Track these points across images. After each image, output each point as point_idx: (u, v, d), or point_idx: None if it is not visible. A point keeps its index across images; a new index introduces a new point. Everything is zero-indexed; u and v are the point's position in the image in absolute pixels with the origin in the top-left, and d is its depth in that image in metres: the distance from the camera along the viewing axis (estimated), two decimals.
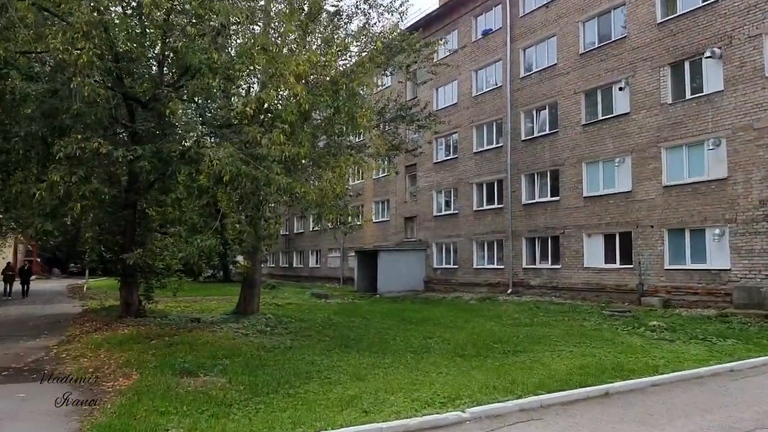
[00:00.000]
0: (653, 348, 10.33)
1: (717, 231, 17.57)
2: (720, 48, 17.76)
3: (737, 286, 16.82)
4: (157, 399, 6.43)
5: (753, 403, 6.39)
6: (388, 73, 16.49)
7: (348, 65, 12.99)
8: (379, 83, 18.70)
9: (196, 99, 10.73)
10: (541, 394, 6.50)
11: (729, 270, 17.19)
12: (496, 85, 26.85)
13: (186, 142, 10.64)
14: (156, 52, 11.04)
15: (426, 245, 30.69)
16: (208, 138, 10.21)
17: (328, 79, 10.86)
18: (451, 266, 28.91)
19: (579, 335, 11.98)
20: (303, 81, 9.06)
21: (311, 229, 38.43)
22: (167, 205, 12.16)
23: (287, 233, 46.32)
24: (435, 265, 30.04)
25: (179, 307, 18.15)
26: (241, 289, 16.61)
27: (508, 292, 24.53)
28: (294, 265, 46.21)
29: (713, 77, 18.12)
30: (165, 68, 11.39)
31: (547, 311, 17.95)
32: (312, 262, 43.21)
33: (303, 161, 10.85)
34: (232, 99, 11.93)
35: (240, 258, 30.34)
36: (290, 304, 20.97)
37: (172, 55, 10.17)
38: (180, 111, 10.27)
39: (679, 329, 13.40)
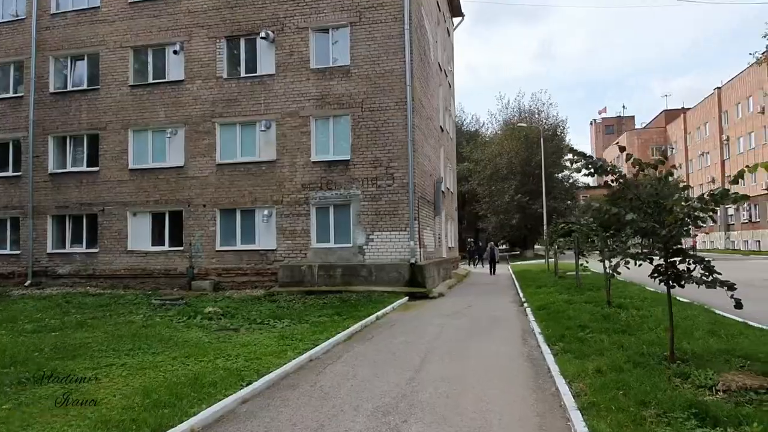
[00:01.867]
0: (222, 343, 8.88)
1: (266, 212, 17.88)
2: (273, 32, 18.06)
3: (282, 265, 17.51)
4: None
5: (354, 401, 5.60)
6: None
7: None
8: None
9: None
10: None
11: (275, 250, 17.73)
12: (17, 15, 20.55)
13: None
14: None
15: None
16: None
17: None
18: None
19: (130, 337, 9.45)
20: None
21: None
22: None
23: None
24: None
25: None
26: None
27: (27, 284, 19.26)
28: None
29: (267, 60, 18.32)
30: None
31: (82, 306, 14.38)
32: None
33: None
34: None
35: None
36: None
37: None
38: None
39: (236, 314, 12.55)
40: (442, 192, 23.41)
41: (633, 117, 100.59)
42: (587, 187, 70.33)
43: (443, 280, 20.96)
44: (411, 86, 17.01)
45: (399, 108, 17.14)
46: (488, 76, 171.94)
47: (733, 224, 53.82)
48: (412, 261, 16.80)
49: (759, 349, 6.73)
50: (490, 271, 28.43)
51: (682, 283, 6.30)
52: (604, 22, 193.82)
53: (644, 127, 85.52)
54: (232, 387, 5.98)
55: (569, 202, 51.68)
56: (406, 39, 17.07)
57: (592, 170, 6.64)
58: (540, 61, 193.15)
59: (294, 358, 7.40)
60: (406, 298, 15.47)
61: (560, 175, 52.35)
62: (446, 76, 28.13)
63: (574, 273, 18.35)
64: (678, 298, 12.66)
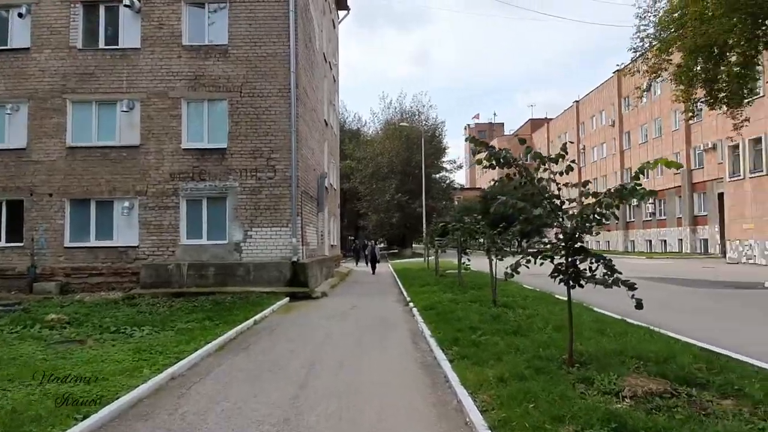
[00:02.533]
0: (60, 360, 7.27)
1: (126, 204, 15.83)
2: (140, 1, 16.04)
3: (145, 264, 15.58)
4: None
5: None
6: None
7: None
8: None
9: None
10: None
11: (137, 247, 15.76)
12: None
13: None
14: None
15: None
16: None
17: None
18: None
19: None
20: None
21: None
22: None
23: None
24: None
25: None
26: None
27: None
28: None
29: (131, 31, 16.25)
30: None
31: None
32: None
33: None
34: None
35: None
36: None
37: None
38: None
39: (85, 321, 10.71)
40: (326, 188, 22.56)
41: (503, 124, 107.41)
42: (462, 188, 73.48)
43: (326, 279, 20.13)
44: (295, 73, 15.94)
45: (282, 95, 15.99)
46: (368, 77, 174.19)
47: None
48: (294, 259, 15.76)
49: (648, 348, 6.71)
50: (372, 271, 27.84)
51: (582, 283, 6.06)
52: (476, 34, 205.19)
53: (513, 134, 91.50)
54: (63, 422, 4.64)
55: (445, 202, 53.40)
56: (290, 21, 15.96)
57: (494, 161, 6.19)
58: (417, 66, 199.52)
59: (151, 378, 6.12)
60: (287, 299, 14.43)
61: (438, 175, 53.93)
62: (331, 68, 27.30)
63: (455, 271, 18.46)
64: (556, 296, 13.00)
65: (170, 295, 14.53)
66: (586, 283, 6.01)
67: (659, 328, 8.27)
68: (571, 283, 6.14)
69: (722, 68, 16.23)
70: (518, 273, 6.34)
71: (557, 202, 6.06)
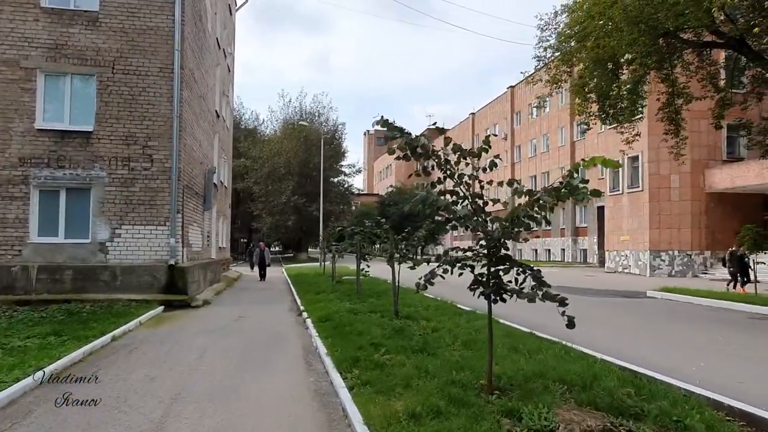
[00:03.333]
0: None
1: None
2: None
3: None
4: None
5: None
6: None
7: None
8: None
9: None
10: None
11: None
12: None
13: None
14: None
15: None
16: None
17: None
18: None
19: None
20: None
21: None
22: None
23: None
24: None
25: None
26: None
27: None
28: None
29: None
30: None
31: None
32: None
33: None
34: None
35: None
36: None
37: None
38: None
39: None
40: (215, 185, 20.57)
41: None
42: (360, 193, 73.03)
43: (210, 285, 18.19)
44: (180, 51, 14.08)
45: (163, 75, 14.05)
46: (267, 75, 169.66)
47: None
48: (172, 262, 13.84)
49: (568, 368, 6.03)
50: (260, 277, 25.55)
51: (505, 297, 5.21)
52: (378, 41, 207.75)
53: None
54: None
55: (343, 206, 52.45)
56: None
57: (409, 151, 5.17)
58: (318, 70, 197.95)
59: None
60: (161, 308, 12.55)
61: (336, 179, 52.84)
62: (225, 56, 25.26)
63: (352, 277, 17.44)
64: (459, 305, 12.37)
65: (13, 304, 12.09)
66: (510, 297, 5.16)
67: (568, 342, 7.72)
68: (492, 296, 5.27)
69: (615, 85, 16.69)
70: (432, 285, 5.38)
71: (480, 202, 5.17)
